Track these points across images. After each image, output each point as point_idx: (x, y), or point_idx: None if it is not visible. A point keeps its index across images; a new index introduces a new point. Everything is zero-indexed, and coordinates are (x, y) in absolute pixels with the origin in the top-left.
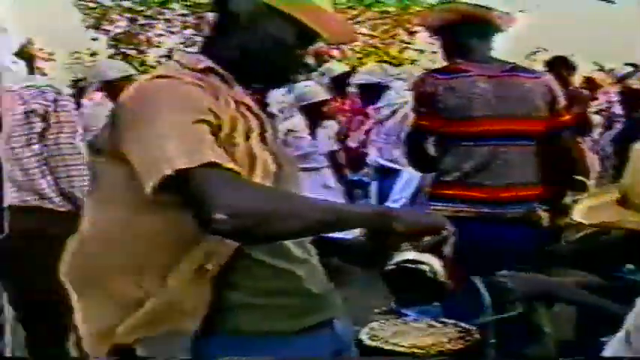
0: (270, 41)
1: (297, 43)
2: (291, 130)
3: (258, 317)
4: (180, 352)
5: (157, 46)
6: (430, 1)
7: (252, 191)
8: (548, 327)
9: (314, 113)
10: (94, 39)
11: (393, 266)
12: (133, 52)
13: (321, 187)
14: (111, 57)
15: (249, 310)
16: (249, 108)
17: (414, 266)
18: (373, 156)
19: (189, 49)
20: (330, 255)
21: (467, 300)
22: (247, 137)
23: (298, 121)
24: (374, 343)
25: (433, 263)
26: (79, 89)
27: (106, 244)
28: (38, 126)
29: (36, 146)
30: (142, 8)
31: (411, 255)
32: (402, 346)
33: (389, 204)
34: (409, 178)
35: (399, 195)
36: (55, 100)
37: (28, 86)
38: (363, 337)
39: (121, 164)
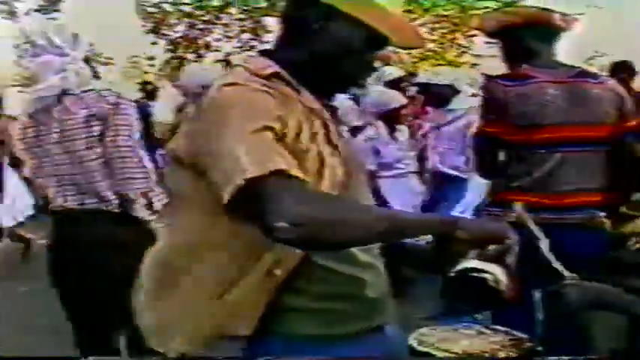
0: (339, 46)
1: (366, 48)
2: (372, 138)
3: (314, 321)
4: (231, 352)
5: (216, 50)
6: (488, 4)
7: (316, 199)
8: (601, 336)
9: (391, 119)
10: (153, 43)
11: (456, 273)
12: (191, 56)
13: (407, 193)
14: (168, 61)
15: (306, 313)
16: (316, 113)
17: (477, 275)
18: (434, 162)
19: (246, 54)
20: (394, 260)
21: (519, 308)
22: (314, 142)
23: (379, 128)
24: (424, 349)
25: (497, 272)
26: (147, 92)
27: (183, 251)
28: (97, 129)
29: (97, 149)
30: (200, 13)
31: (475, 263)
32: (453, 352)
33: (456, 212)
34: (477, 186)
35: (467, 202)
36: (116, 104)
37: (89, 90)
38: (412, 342)
39: (199, 175)
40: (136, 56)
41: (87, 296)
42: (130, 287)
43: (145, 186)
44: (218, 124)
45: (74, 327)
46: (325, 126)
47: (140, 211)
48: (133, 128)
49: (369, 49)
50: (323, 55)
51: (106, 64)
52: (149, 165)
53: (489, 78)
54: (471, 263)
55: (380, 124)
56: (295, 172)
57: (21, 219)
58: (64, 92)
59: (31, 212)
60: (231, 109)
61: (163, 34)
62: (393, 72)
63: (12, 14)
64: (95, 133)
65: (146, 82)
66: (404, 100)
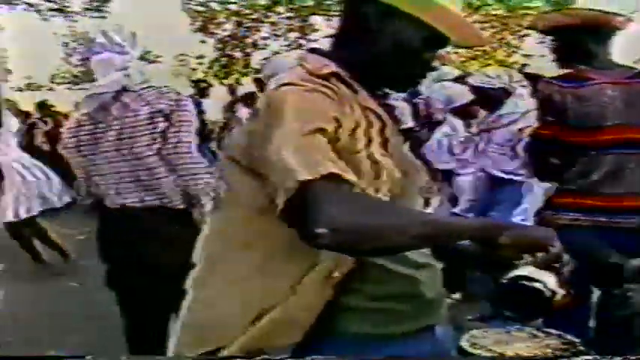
0: (398, 45)
1: (426, 47)
2: (449, 134)
3: (369, 320)
4: (282, 352)
5: (262, 49)
6: (537, 4)
7: (357, 204)
8: None
9: (461, 115)
10: (201, 42)
11: (508, 281)
12: (238, 55)
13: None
14: (216, 60)
15: (362, 313)
16: (374, 113)
17: (528, 283)
18: (485, 165)
19: (294, 52)
20: (444, 259)
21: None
22: (370, 144)
23: (456, 124)
24: (476, 351)
25: (549, 281)
26: (200, 89)
27: (240, 250)
28: (161, 126)
29: (157, 145)
30: (248, 11)
31: (528, 271)
32: (507, 355)
33: (515, 216)
34: (533, 189)
35: (526, 207)
36: (177, 100)
37: (148, 87)
38: (464, 343)
39: (255, 176)
40: (184, 54)
41: (144, 294)
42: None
43: (209, 181)
44: (272, 126)
45: (126, 323)
46: (382, 127)
47: (207, 207)
48: (193, 124)
49: (428, 48)
50: (382, 55)
51: (154, 62)
52: (205, 161)
53: (546, 79)
54: (523, 271)
55: (456, 120)
56: (347, 175)
57: (24, 216)
58: (124, 89)
59: (36, 211)
60: (286, 110)
61: (211, 33)
62: (450, 72)
63: (62, 12)
64: (158, 130)
65: (199, 80)
66: (471, 96)
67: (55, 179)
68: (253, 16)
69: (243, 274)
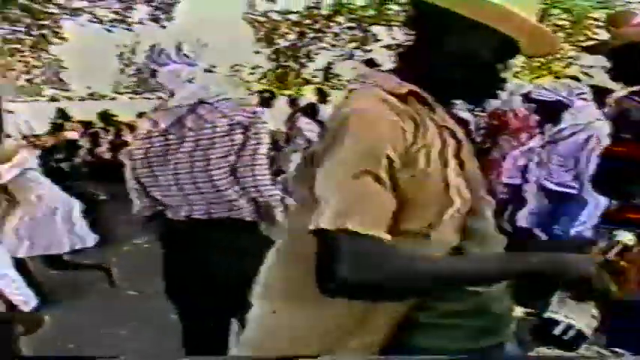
0: (470, 57)
1: (497, 58)
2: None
3: (440, 336)
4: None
5: (312, 60)
6: (601, 15)
7: (375, 263)
8: None
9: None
10: (256, 52)
11: (542, 321)
12: (292, 65)
13: None
14: (271, 70)
15: (433, 329)
16: (450, 131)
17: (562, 326)
18: (539, 178)
19: (351, 63)
20: None
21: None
22: (445, 165)
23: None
24: None
25: (582, 324)
26: (263, 99)
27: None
28: (239, 138)
29: (233, 157)
30: (309, 22)
31: (561, 314)
32: None
33: (574, 229)
34: (596, 204)
35: (585, 220)
36: (254, 112)
37: (224, 99)
38: None
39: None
40: (239, 65)
41: (206, 304)
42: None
43: (277, 194)
44: (329, 151)
45: (185, 332)
46: (458, 146)
47: (277, 218)
48: (269, 136)
49: (499, 58)
50: (453, 68)
51: (209, 71)
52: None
53: (623, 94)
54: (557, 314)
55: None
56: (372, 231)
57: (78, 246)
58: (200, 102)
59: (92, 243)
60: (347, 140)
61: (273, 43)
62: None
63: (124, 23)
64: (237, 142)
65: (263, 90)
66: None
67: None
68: (315, 27)
69: (314, 294)
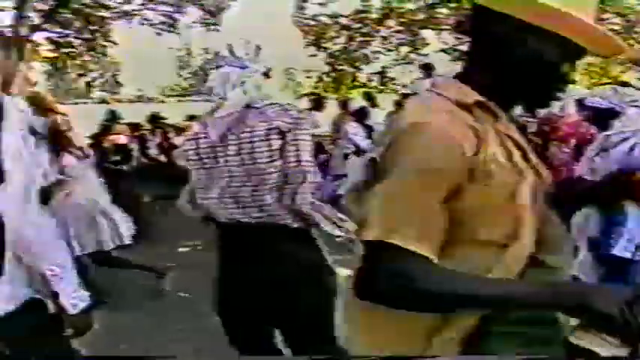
0: (534, 61)
1: (563, 59)
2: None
3: (512, 343)
4: None
5: (372, 62)
6: None
7: (413, 279)
8: None
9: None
10: (312, 55)
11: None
12: (347, 69)
13: None
14: (327, 74)
15: (505, 336)
16: (513, 140)
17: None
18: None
19: (402, 67)
20: None
21: None
22: (509, 172)
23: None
24: None
25: (608, 353)
26: (315, 103)
27: None
28: (277, 143)
29: (278, 162)
30: (358, 25)
31: (586, 341)
32: None
33: (619, 244)
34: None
35: (630, 234)
36: (297, 118)
37: (271, 104)
38: None
39: None
40: (293, 68)
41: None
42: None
43: (319, 201)
44: (391, 165)
45: (232, 330)
46: (523, 154)
47: (324, 226)
48: (312, 144)
49: (565, 60)
50: (519, 73)
51: (265, 74)
52: (320, 180)
53: None
54: (580, 340)
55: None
56: (417, 247)
57: (128, 241)
58: (247, 106)
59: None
60: (407, 157)
61: (323, 47)
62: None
63: (174, 27)
64: (274, 147)
65: (312, 94)
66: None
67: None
68: (364, 30)
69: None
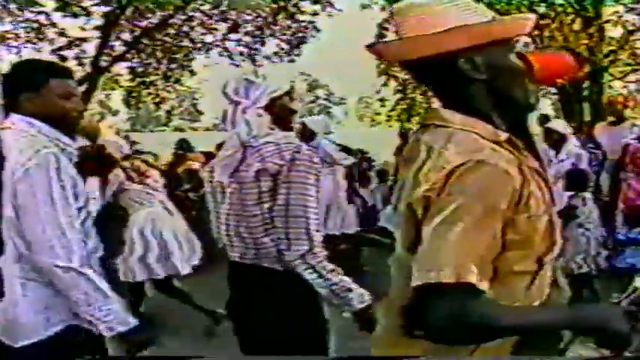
0: (512, 75)
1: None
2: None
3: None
4: None
5: None
6: None
7: (467, 315)
8: None
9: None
10: (384, 85)
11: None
12: (419, 98)
13: None
14: (398, 102)
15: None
16: (539, 173)
17: None
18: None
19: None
20: None
21: None
22: (542, 206)
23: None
24: None
25: None
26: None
27: None
28: (267, 185)
29: (266, 205)
30: None
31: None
32: None
33: None
34: None
35: None
36: (292, 159)
37: (266, 142)
38: None
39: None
40: (367, 97)
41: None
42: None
43: (306, 248)
44: (447, 202)
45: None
46: (546, 185)
47: (301, 271)
48: (309, 185)
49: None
50: (505, 92)
51: (339, 104)
52: (315, 225)
53: None
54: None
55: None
56: (478, 282)
57: (186, 271)
58: (243, 145)
59: (194, 263)
60: (465, 198)
61: (394, 76)
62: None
63: (251, 58)
64: (264, 189)
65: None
66: None
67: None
68: None
69: None
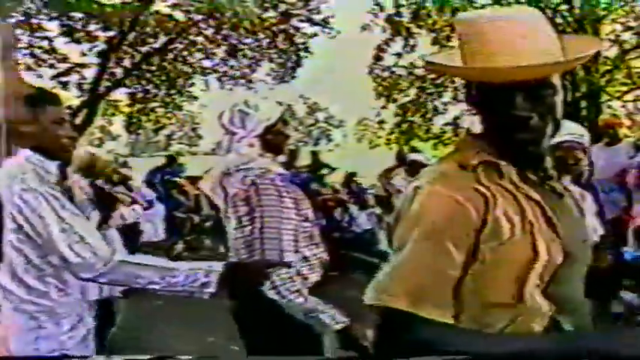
0: (508, 112)
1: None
2: None
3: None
4: None
5: (442, 114)
6: None
7: (438, 344)
8: None
9: None
10: (383, 107)
11: None
12: (418, 120)
13: None
14: (397, 125)
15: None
16: (525, 195)
17: None
18: None
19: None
20: None
21: None
22: (530, 227)
23: None
24: None
25: None
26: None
27: None
28: (243, 210)
29: (246, 229)
30: (432, 76)
31: None
32: None
33: None
34: None
35: None
36: (253, 184)
37: (240, 169)
38: None
39: None
40: (366, 119)
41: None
42: None
43: (283, 271)
44: (408, 229)
45: None
46: (537, 205)
47: (267, 291)
48: (283, 208)
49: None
50: (497, 130)
51: (339, 126)
52: (290, 247)
53: None
54: None
55: None
56: (441, 315)
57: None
58: (224, 174)
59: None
60: (424, 222)
61: (394, 99)
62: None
63: (246, 79)
64: (242, 213)
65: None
66: None
67: None
68: (437, 82)
69: None
